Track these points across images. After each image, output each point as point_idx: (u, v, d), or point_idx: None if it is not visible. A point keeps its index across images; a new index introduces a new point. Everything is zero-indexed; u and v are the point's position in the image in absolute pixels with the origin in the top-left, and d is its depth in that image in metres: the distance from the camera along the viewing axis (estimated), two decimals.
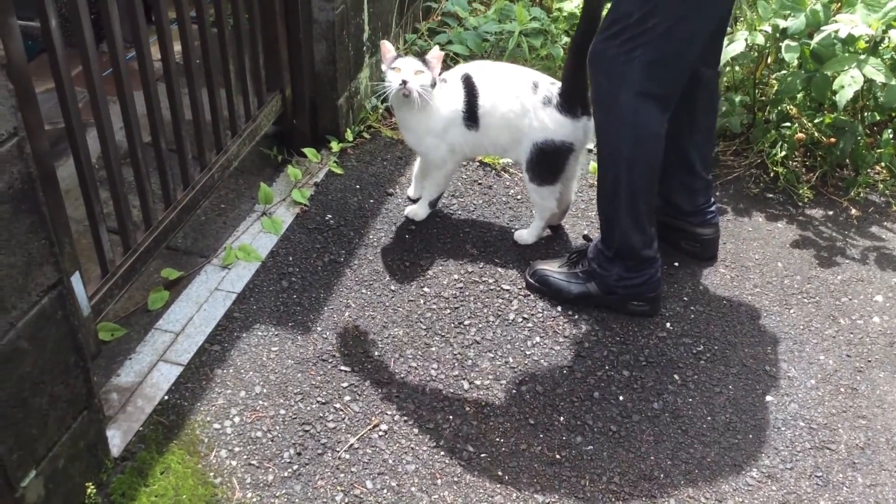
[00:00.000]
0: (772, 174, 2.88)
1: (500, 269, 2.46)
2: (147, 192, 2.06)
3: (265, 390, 2.04)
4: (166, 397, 1.98)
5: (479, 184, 2.82)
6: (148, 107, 2.05)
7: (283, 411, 1.99)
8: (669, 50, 1.96)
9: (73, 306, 1.59)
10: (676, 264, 2.50)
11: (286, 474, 1.86)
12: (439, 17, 3.53)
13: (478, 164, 2.89)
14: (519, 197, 2.77)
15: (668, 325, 2.30)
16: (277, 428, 1.95)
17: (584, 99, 2.30)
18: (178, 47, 2.18)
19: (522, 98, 2.34)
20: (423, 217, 2.61)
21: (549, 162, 2.37)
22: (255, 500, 1.80)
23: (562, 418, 2.03)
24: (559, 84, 2.34)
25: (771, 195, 2.83)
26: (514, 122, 2.36)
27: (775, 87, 2.96)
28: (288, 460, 1.89)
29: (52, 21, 1.63)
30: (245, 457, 1.88)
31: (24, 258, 1.42)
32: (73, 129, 1.75)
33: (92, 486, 1.72)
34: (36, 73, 1.68)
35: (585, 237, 2.54)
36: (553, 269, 2.36)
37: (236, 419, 1.96)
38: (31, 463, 1.54)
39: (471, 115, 2.39)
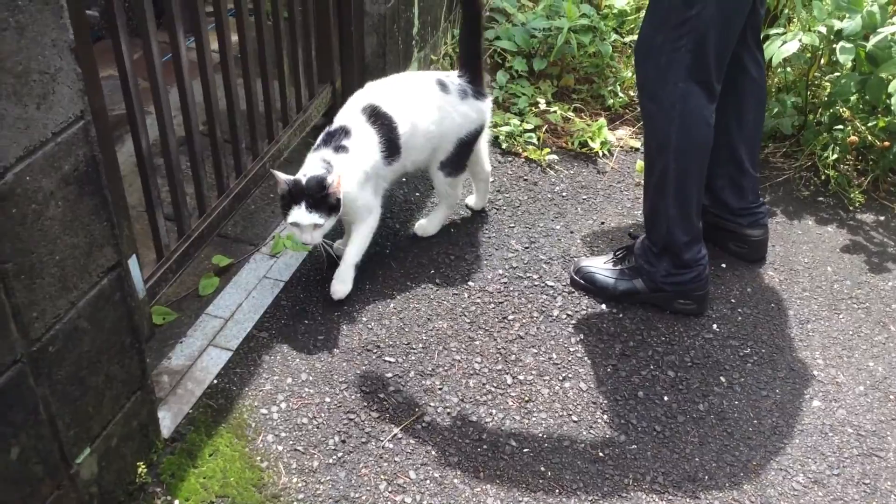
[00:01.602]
0: (823, 177, 2.84)
1: (544, 266, 2.46)
2: (202, 180, 2.09)
3: (311, 378, 2.06)
4: (215, 381, 2.02)
5: (525, 180, 2.82)
6: (205, 96, 2.08)
7: (328, 399, 2.02)
8: (713, 35, 1.95)
9: (130, 288, 1.63)
10: (724, 266, 2.48)
11: (331, 461, 1.88)
12: (488, 13, 3.53)
13: (523, 160, 2.89)
14: (564, 194, 2.76)
15: (714, 326, 2.28)
16: (323, 415, 1.98)
17: (483, 75, 2.34)
18: (233, 38, 2.21)
19: (437, 103, 2.27)
20: (348, 286, 2.26)
21: (465, 151, 2.36)
22: (300, 485, 1.82)
23: (605, 416, 2.02)
24: (458, 73, 2.32)
25: (821, 198, 2.79)
26: (436, 130, 2.28)
27: (828, 89, 2.92)
28: (333, 447, 1.91)
29: (116, 10, 1.66)
30: (291, 442, 1.91)
31: (87, 239, 1.46)
32: (134, 116, 1.79)
33: (143, 466, 1.75)
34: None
35: (631, 234, 2.53)
36: (598, 265, 2.35)
37: (283, 405, 1.99)
38: (86, 440, 1.58)
39: (391, 149, 2.20)
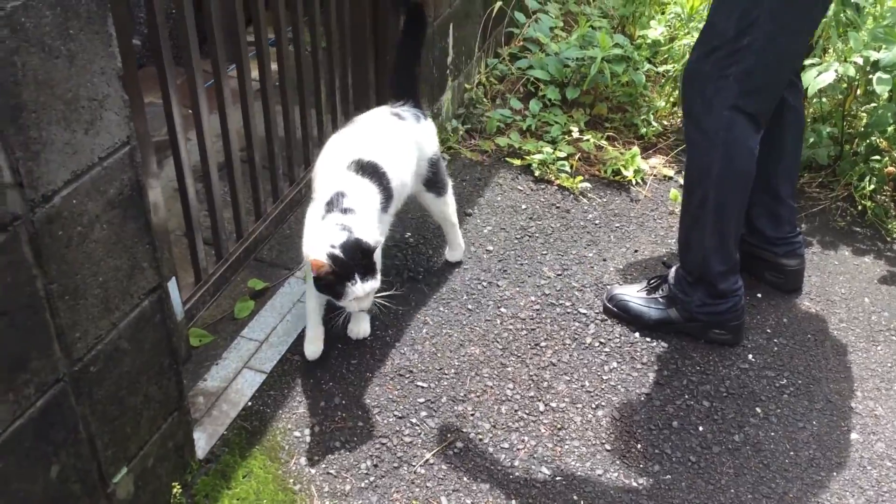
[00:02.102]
0: (859, 208, 2.82)
1: (576, 293, 2.46)
2: (240, 204, 2.13)
3: (344, 402, 2.07)
4: (250, 403, 2.03)
5: (557, 207, 2.83)
6: (245, 122, 2.13)
7: (360, 423, 2.02)
8: (764, 67, 1.95)
9: (169, 311, 1.66)
10: (759, 295, 2.46)
11: (363, 485, 1.88)
12: (521, 43, 3.56)
13: (556, 187, 2.90)
14: (597, 222, 2.76)
15: (750, 356, 2.25)
16: (355, 439, 1.98)
17: (420, 98, 2.34)
18: (273, 67, 2.26)
19: (402, 134, 2.22)
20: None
21: (441, 166, 2.35)
22: None
23: (639, 445, 2.01)
24: (399, 102, 2.28)
25: (858, 229, 2.76)
26: (412, 160, 2.24)
27: (864, 120, 2.90)
28: (365, 471, 1.91)
29: (162, 39, 1.71)
30: (324, 465, 1.92)
31: (129, 262, 1.49)
32: (176, 141, 1.83)
33: (178, 486, 1.77)
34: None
35: (665, 263, 2.52)
36: (632, 294, 2.35)
37: (316, 428, 2.00)
38: (124, 460, 1.60)
39: (387, 196, 2.09)
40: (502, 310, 2.39)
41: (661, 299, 2.30)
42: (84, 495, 1.50)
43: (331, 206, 1.96)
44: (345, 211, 1.95)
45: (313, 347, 2.16)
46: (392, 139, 2.19)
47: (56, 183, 1.27)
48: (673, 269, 2.30)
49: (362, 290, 1.88)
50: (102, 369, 1.47)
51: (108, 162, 1.38)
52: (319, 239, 1.90)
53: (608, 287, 2.44)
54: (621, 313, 2.34)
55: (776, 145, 2.27)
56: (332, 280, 1.86)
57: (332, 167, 2.07)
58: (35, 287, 1.28)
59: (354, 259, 1.86)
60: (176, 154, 1.86)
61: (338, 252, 1.86)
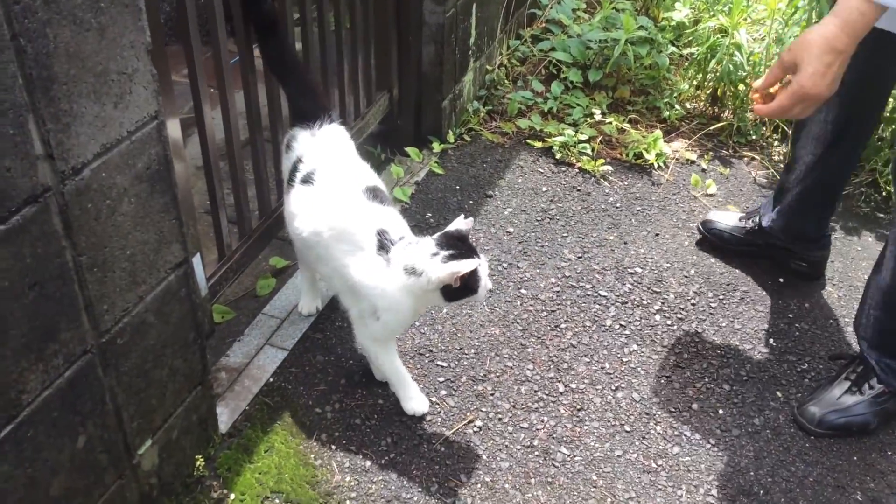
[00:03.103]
0: (884, 193, 2.79)
1: (597, 276, 2.45)
2: (264, 181, 2.13)
3: (364, 380, 2.09)
4: (271, 379, 2.05)
5: (578, 190, 2.82)
6: (269, 100, 2.13)
7: (381, 401, 2.04)
8: None
9: (194, 285, 1.67)
10: (781, 280, 2.44)
11: (383, 462, 1.90)
12: (543, 24, 3.54)
13: (577, 170, 2.89)
14: (618, 205, 2.75)
15: (771, 340, 2.25)
16: (375, 417, 2.00)
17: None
18: (297, 46, 2.26)
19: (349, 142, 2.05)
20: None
21: None
22: (353, 483, 1.84)
23: (659, 427, 2.01)
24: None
25: (882, 215, 2.74)
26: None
27: (891, 105, 2.87)
28: (385, 448, 1.93)
29: (190, 14, 1.71)
30: (344, 442, 1.93)
31: (156, 236, 1.50)
32: (202, 117, 1.84)
33: (201, 459, 1.79)
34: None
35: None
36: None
37: (336, 405, 2.01)
38: (149, 432, 1.62)
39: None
40: (522, 291, 2.39)
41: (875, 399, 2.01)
42: (110, 466, 1.52)
43: (383, 244, 1.80)
44: (399, 240, 1.81)
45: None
46: (344, 155, 1.99)
47: (86, 156, 1.29)
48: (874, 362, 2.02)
49: (486, 270, 1.80)
50: (129, 342, 1.49)
51: (136, 136, 1.38)
52: (424, 263, 1.75)
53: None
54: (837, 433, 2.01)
55: (851, 160, 2.26)
56: (466, 278, 1.73)
57: (353, 205, 1.86)
58: (64, 259, 1.29)
59: (468, 246, 1.78)
60: (202, 130, 1.86)
61: (451, 252, 1.75)
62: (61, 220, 1.27)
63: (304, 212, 1.88)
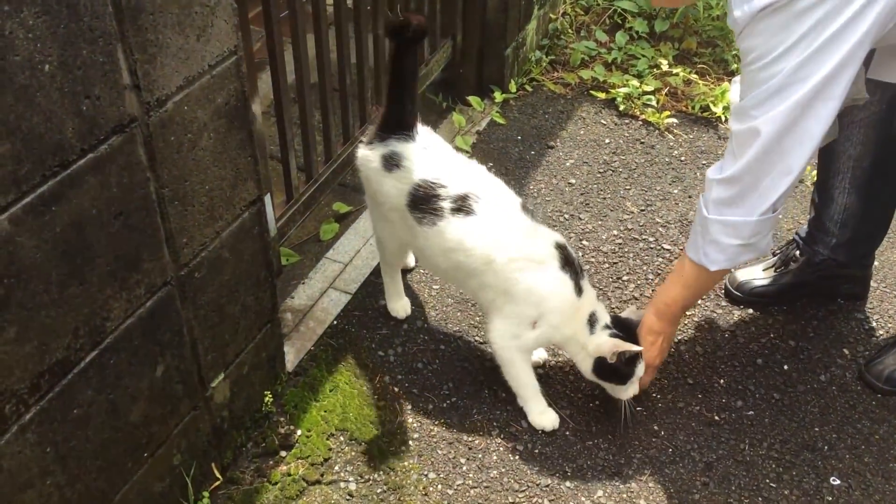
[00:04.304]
0: None
1: (660, 229, 2.42)
2: (330, 128, 2.14)
3: (426, 325, 2.10)
4: (335, 322, 2.07)
5: (641, 143, 2.78)
6: (338, 49, 2.13)
7: (442, 346, 2.05)
8: None
9: (266, 224, 1.68)
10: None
11: (445, 405, 1.92)
12: None
13: (640, 122, 2.84)
14: (682, 158, 2.71)
15: (839, 299, 2.20)
16: (437, 362, 2.01)
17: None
18: None
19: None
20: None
21: None
22: (415, 425, 1.87)
23: (722, 381, 1.99)
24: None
25: None
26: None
27: None
28: (447, 392, 1.94)
29: None
30: (407, 385, 1.95)
31: (233, 172, 1.51)
32: (276, 58, 1.84)
33: (269, 395, 1.83)
34: None
35: None
36: None
37: (399, 349, 2.03)
38: (222, 366, 1.66)
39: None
40: (584, 243, 2.37)
41: None
42: (185, 396, 1.56)
43: (592, 323, 1.80)
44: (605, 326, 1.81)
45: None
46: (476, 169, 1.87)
47: (170, 88, 1.30)
48: None
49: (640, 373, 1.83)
50: (206, 276, 1.51)
51: (217, 70, 1.39)
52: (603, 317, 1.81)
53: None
54: None
55: None
56: (623, 360, 1.77)
57: (523, 238, 1.78)
58: (148, 190, 1.31)
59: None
60: (274, 72, 1.87)
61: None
62: (146, 151, 1.28)
63: (473, 243, 1.75)
